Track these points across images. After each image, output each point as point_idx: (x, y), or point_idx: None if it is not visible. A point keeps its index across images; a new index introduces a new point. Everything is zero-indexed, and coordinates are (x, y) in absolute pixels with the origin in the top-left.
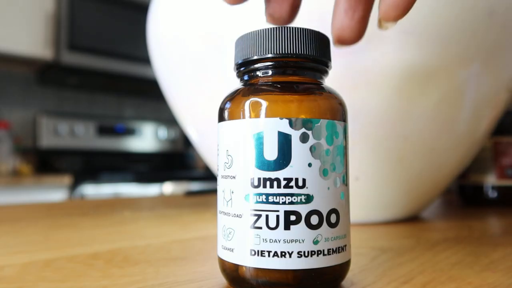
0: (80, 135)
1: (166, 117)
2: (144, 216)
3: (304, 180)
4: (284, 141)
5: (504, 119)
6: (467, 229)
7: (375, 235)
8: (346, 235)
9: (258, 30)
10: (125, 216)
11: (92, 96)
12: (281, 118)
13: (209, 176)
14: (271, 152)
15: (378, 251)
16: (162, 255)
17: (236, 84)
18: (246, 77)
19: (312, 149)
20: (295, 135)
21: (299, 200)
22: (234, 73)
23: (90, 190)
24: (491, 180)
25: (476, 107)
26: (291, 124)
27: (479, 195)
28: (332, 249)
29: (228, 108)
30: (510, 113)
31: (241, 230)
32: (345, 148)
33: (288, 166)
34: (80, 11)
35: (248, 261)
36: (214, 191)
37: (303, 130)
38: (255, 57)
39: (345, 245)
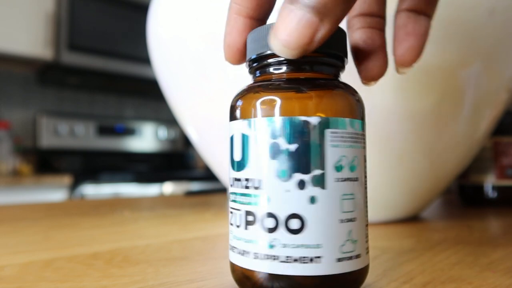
0: (80, 135)
1: (166, 117)
2: (144, 216)
3: (259, 181)
4: (244, 142)
5: (504, 119)
6: (467, 229)
7: (375, 235)
8: (322, 245)
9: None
10: (125, 216)
11: (92, 96)
12: (243, 119)
13: (209, 176)
14: (237, 153)
15: (378, 251)
16: (162, 255)
17: (236, 84)
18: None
19: (269, 149)
20: (252, 135)
21: (254, 202)
22: (234, 73)
23: (90, 190)
24: (491, 180)
25: (476, 107)
26: (249, 125)
27: (479, 195)
28: (293, 257)
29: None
30: (510, 113)
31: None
32: (320, 147)
33: (247, 167)
34: (80, 11)
35: (229, 254)
36: (214, 191)
37: (260, 129)
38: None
39: (319, 257)
